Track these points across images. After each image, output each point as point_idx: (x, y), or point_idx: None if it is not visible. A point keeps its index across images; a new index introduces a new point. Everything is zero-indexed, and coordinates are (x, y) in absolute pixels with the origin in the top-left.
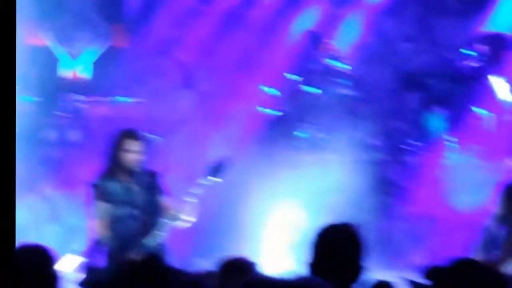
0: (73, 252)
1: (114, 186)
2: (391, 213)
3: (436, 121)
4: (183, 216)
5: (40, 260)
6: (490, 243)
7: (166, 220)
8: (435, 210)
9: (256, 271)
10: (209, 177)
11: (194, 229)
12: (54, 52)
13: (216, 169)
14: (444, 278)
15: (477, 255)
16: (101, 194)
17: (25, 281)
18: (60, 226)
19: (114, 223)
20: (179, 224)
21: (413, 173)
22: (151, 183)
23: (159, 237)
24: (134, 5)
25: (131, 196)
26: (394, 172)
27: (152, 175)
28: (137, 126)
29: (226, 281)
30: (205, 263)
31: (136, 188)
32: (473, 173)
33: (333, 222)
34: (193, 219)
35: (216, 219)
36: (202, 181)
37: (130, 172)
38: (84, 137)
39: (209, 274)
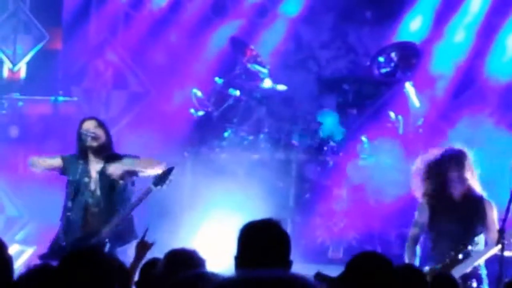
0: (17, 242)
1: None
2: (310, 209)
3: (350, 123)
4: None
5: None
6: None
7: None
8: (350, 207)
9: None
10: (154, 186)
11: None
12: None
13: (161, 179)
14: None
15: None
16: None
17: None
18: (2, 216)
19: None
20: None
21: (331, 172)
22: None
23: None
24: (70, 9)
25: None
26: (313, 170)
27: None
28: (71, 124)
29: (171, 271)
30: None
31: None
32: (385, 173)
33: (256, 218)
34: None
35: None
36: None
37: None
38: (22, 133)
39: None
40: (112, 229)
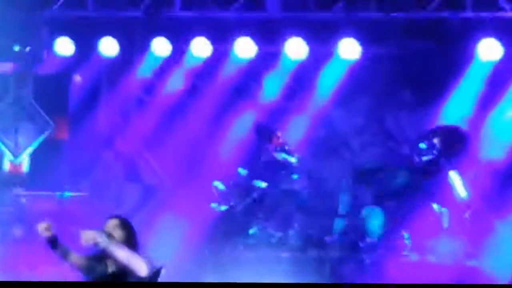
0: None
1: None
2: None
3: (389, 217)
4: None
5: None
6: None
7: None
8: None
9: None
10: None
11: None
12: None
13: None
14: None
15: None
16: None
17: None
18: None
19: None
20: None
21: (370, 270)
22: None
23: None
24: (77, 95)
25: None
26: (349, 269)
27: None
28: (80, 222)
29: None
30: None
31: None
32: (429, 272)
33: None
34: None
35: None
36: None
37: None
38: (26, 233)
39: None
40: None
